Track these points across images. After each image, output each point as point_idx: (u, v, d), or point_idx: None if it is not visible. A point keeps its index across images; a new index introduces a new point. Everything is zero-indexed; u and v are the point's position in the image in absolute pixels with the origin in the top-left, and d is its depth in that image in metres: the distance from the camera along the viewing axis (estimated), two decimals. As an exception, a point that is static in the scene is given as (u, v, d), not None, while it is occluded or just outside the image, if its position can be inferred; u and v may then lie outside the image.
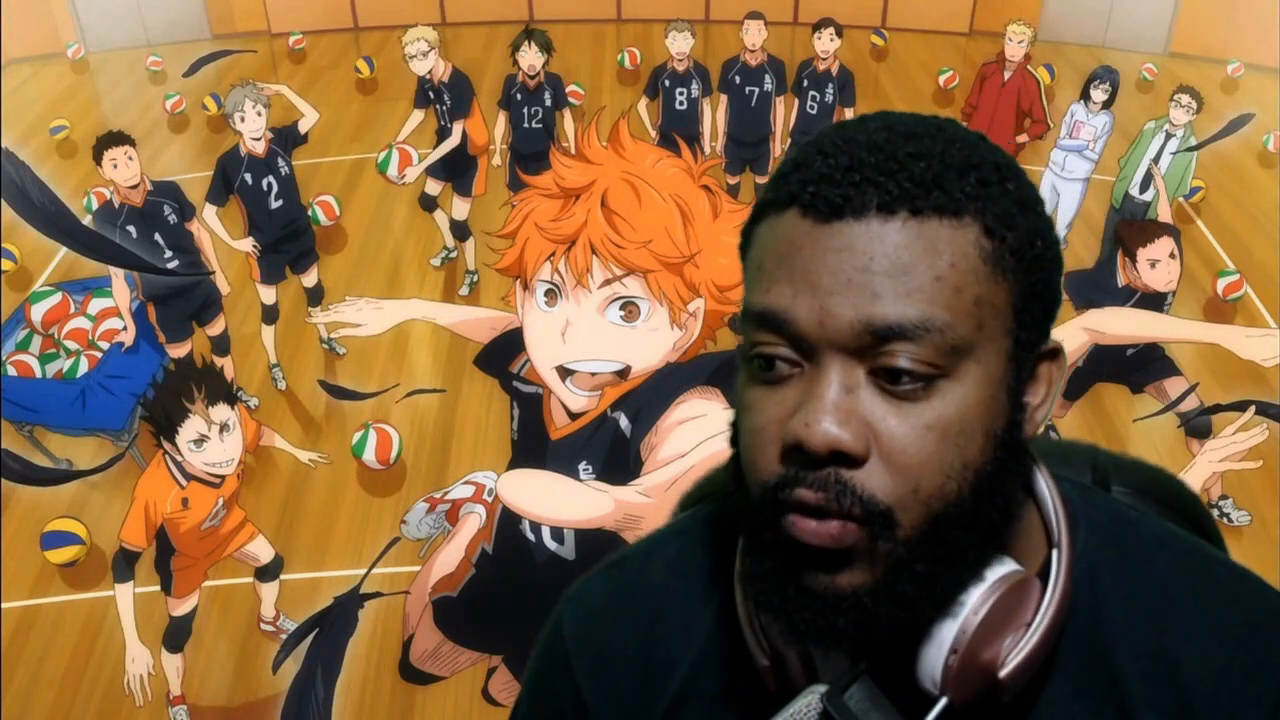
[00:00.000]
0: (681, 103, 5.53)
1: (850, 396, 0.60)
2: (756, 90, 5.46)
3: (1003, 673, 0.64)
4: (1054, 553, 0.68)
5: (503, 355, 2.29)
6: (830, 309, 0.60)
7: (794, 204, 0.62)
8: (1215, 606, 0.70)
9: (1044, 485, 0.70)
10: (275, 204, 4.51)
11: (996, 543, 0.66)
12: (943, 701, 0.65)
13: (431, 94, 5.18)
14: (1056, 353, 0.66)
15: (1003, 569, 0.65)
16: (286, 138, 4.56)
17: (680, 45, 5.45)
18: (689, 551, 0.80)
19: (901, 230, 0.60)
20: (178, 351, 4.37)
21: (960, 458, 0.61)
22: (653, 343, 2.03)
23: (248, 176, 4.41)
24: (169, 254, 4.19)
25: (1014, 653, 0.65)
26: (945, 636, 0.64)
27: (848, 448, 0.59)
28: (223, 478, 2.98)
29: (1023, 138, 5.55)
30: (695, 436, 1.89)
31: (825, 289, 0.60)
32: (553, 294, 2.02)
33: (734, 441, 0.68)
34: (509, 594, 2.37)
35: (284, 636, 3.20)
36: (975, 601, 0.64)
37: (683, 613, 0.77)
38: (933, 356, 0.59)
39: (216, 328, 4.50)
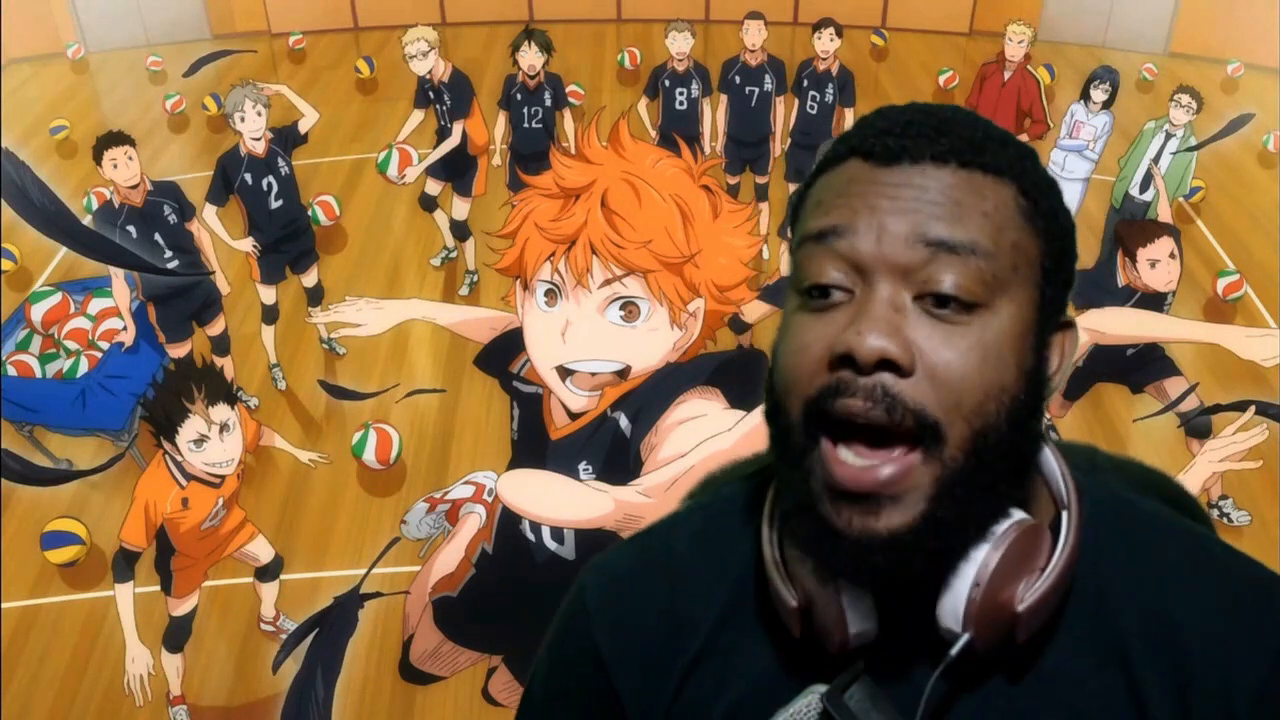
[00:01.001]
0: (681, 103, 5.53)
1: (899, 315, 0.64)
2: (756, 90, 5.46)
3: (1020, 606, 0.67)
4: (1064, 513, 0.72)
5: (503, 355, 2.29)
6: (887, 225, 0.65)
7: (853, 154, 0.69)
8: (1212, 576, 0.73)
9: (1052, 459, 0.74)
10: (275, 204, 4.51)
11: (1021, 485, 0.70)
12: (965, 637, 0.67)
13: (431, 94, 5.18)
14: (1070, 325, 0.72)
15: (1017, 516, 0.69)
16: (286, 138, 4.56)
17: (680, 45, 5.44)
18: (713, 522, 0.83)
19: (952, 175, 0.66)
20: (178, 351, 4.37)
21: (998, 379, 0.65)
22: (653, 343, 2.03)
23: (248, 176, 4.41)
24: (169, 254, 4.19)
25: (1030, 591, 0.68)
26: (967, 574, 0.67)
27: (896, 356, 0.63)
28: (223, 478, 2.98)
29: (1023, 138, 5.54)
30: (695, 436, 1.89)
31: (884, 210, 0.66)
32: (553, 294, 2.02)
33: (767, 384, 0.71)
34: (509, 594, 2.37)
35: (284, 636, 3.20)
36: (995, 540, 0.67)
37: (705, 576, 0.80)
38: (975, 282, 0.64)
39: (216, 328, 4.50)
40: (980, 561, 0.67)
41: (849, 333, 0.64)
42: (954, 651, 0.67)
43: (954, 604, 0.67)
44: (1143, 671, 0.70)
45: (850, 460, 0.65)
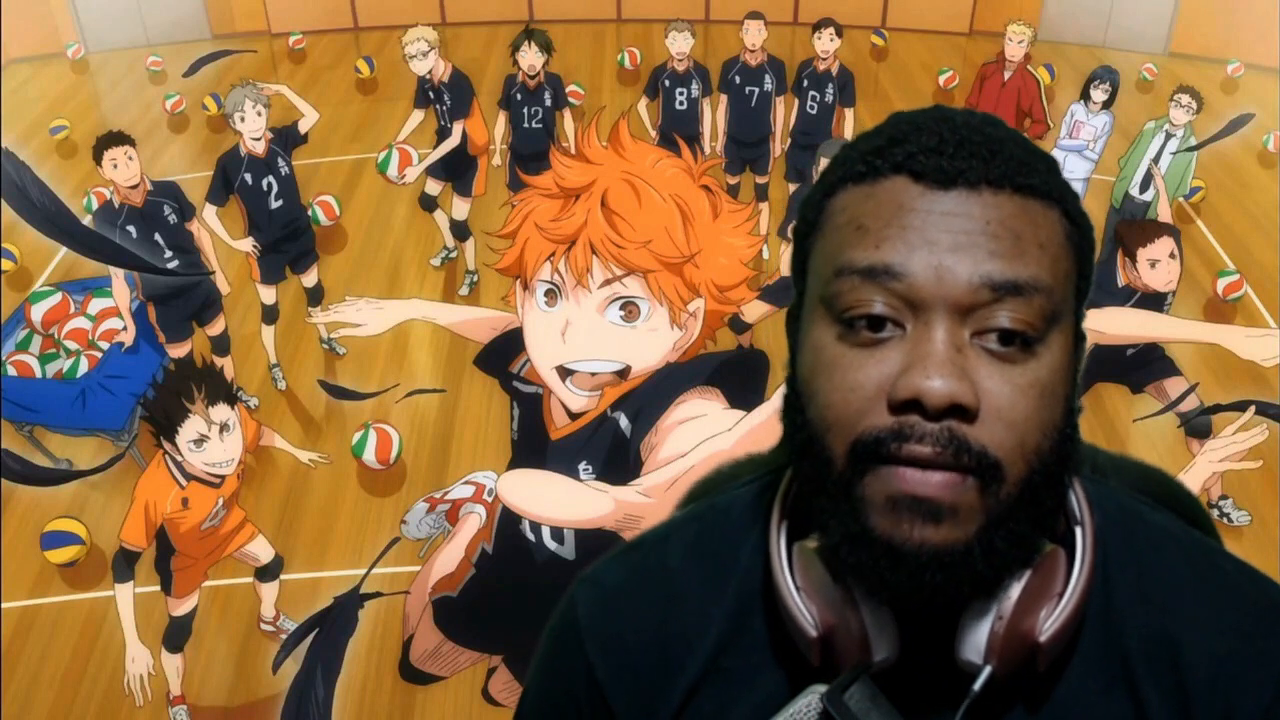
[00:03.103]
0: (681, 103, 5.53)
1: (960, 355, 0.62)
2: (756, 90, 5.46)
3: (1043, 637, 0.66)
4: (1078, 530, 0.70)
5: (503, 355, 2.28)
6: (948, 265, 0.62)
7: (901, 172, 0.65)
8: (1219, 596, 0.71)
9: None
10: (275, 204, 4.51)
11: (1060, 512, 0.69)
12: (987, 670, 0.66)
13: (431, 94, 5.18)
14: (1083, 339, 0.71)
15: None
16: (286, 138, 4.56)
17: (680, 45, 5.44)
18: (707, 535, 0.80)
19: (1010, 202, 0.64)
20: (178, 351, 4.37)
21: (1052, 418, 0.64)
22: (653, 343, 2.03)
23: (248, 176, 4.41)
24: (169, 254, 4.19)
25: (1051, 620, 0.67)
26: (989, 606, 0.66)
27: (967, 401, 0.61)
28: (223, 478, 2.98)
29: (1023, 138, 5.54)
30: (695, 436, 1.89)
31: (944, 246, 0.62)
32: (553, 294, 2.01)
33: (789, 412, 0.69)
34: (509, 594, 2.36)
35: (284, 636, 3.20)
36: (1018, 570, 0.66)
37: (701, 594, 0.78)
38: (1036, 318, 0.63)
39: (216, 328, 4.50)
40: (1003, 591, 0.66)
41: (914, 375, 0.61)
42: (976, 686, 0.66)
43: (975, 635, 0.66)
44: (1148, 694, 0.69)
45: (913, 471, 0.63)
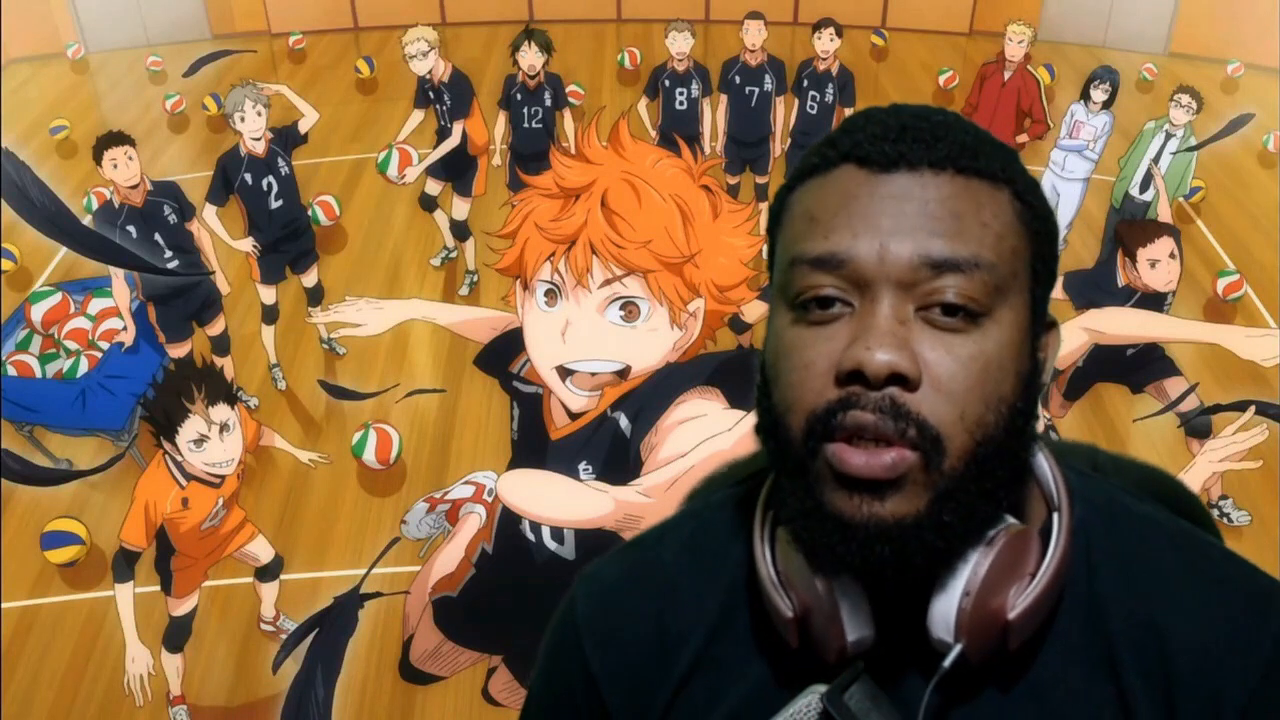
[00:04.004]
0: (681, 103, 5.53)
1: (903, 327, 0.64)
2: (756, 90, 5.46)
3: (1011, 614, 0.67)
4: (1054, 516, 0.71)
5: (503, 355, 2.29)
6: (890, 246, 0.65)
7: (848, 160, 0.68)
8: (1205, 584, 0.72)
9: (1044, 461, 0.74)
10: (275, 204, 4.51)
11: (1016, 490, 0.70)
12: (957, 648, 0.67)
13: (431, 94, 5.18)
14: (1053, 325, 0.72)
15: (1007, 521, 0.69)
16: (286, 138, 4.56)
17: (680, 45, 5.45)
18: (702, 531, 0.82)
19: (951, 183, 0.66)
20: (178, 351, 4.37)
21: (997, 391, 0.66)
22: (653, 343, 2.03)
23: (248, 176, 4.41)
24: (169, 254, 4.19)
25: (1021, 598, 0.68)
26: (957, 582, 0.67)
27: (906, 370, 0.63)
28: (223, 478, 2.98)
29: (1023, 138, 5.55)
30: (695, 436, 1.89)
31: (886, 230, 0.65)
32: (553, 294, 2.02)
33: (761, 398, 0.71)
34: (509, 594, 2.37)
35: (284, 636, 3.21)
36: (984, 548, 0.68)
37: (696, 587, 0.79)
38: (979, 293, 0.65)
39: (216, 328, 4.50)
40: (970, 569, 0.67)
41: (856, 348, 0.64)
42: (946, 664, 0.67)
43: (945, 613, 0.67)
44: (1131, 681, 0.69)
45: (859, 449, 0.65)
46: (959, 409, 0.64)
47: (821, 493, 0.66)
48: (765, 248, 0.76)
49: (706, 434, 1.88)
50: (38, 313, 4.73)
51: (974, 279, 0.64)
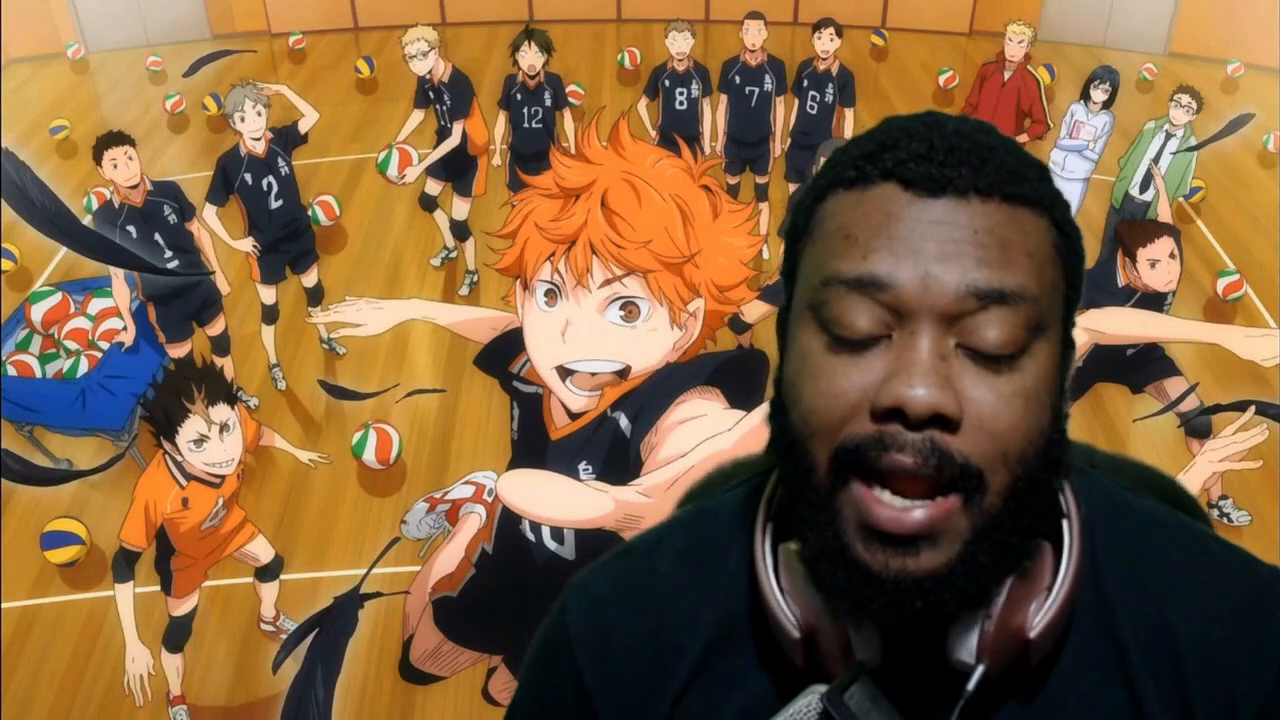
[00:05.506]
0: (681, 103, 5.53)
1: (945, 363, 0.62)
2: (756, 90, 5.46)
3: (1032, 633, 0.66)
4: (1064, 523, 0.70)
5: (503, 355, 2.28)
6: (935, 274, 0.62)
7: (890, 179, 0.64)
8: (1211, 579, 0.71)
9: None
10: (275, 204, 4.51)
11: (1051, 521, 0.69)
12: (980, 669, 0.66)
13: (431, 94, 5.18)
14: (1072, 346, 0.70)
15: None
16: (286, 138, 4.56)
17: (680, 45, 5.44)
18: (696, 540, 0.80)
19: (998, 210, 0.63)
20: (178, 351, 4.37)
21: (1038, 425, 0.64)
22: (653, 343, 2.03)
23: (248, 176, 4.41)
24: (169, 254, 4.19)
25: (1040, 615, 0.66)
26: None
27: (950, 411, 0.61)
28: (223, 478, 2.98)
29: (1023, 138, 5.54)
30: (695, 436, 1.89)
31: (930, 255, 0.62)
32: (553, 294, 2.01)
33: (775, 416, 0.69)
34: (509, 594, 2.36)
35: (284, 636, 3.20)
36: None
37: (691, 600, 0.78)
38: (1022, 327, 0.62)
39: (216, 328, 4.50)
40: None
41: (897, 384, 0.61)
42: (970, 686, 0.65)
43: (966, 635, 0.66)
44: (1144, 684, 0.69)
45: (889, 501, 0.62)
46: (1002, 447, 0.62)
47: (845, 535, 0.63)
48: (784, 253, 0.73)
49: (706, 434, 1.87)
50: (38, 313, 4.73)
51: (1018, 312, 0.62)
